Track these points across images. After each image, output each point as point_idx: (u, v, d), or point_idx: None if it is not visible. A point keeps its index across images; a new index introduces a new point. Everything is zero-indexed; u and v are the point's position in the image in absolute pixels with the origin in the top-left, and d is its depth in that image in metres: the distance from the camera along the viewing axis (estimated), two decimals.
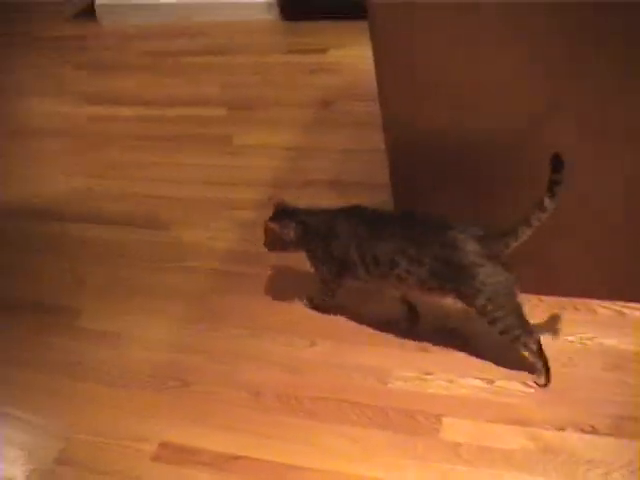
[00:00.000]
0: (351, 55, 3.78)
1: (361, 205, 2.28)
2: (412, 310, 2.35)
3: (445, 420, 2.08)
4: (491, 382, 2.15)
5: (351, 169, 3.03)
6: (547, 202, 1.87)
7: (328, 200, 2.87)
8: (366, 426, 2.11)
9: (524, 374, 2.14)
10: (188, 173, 3.23)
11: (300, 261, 2.58)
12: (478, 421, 2.07)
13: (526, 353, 2.12)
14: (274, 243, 2.37)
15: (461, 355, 2.23)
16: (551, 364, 2.09)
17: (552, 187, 1.86)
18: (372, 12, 2.02)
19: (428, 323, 2.34)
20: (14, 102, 4.29)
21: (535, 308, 2.28)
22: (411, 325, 2.35)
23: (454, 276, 2.03)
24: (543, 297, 2.33)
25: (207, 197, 3.07)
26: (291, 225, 2.31)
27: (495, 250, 1.99)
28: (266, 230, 2.36)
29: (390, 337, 2.33)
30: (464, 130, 2.10)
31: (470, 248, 2.00)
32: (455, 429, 2.06)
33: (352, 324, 2.40)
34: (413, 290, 2.17)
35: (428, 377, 2.20)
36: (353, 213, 2.26)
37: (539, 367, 2.10)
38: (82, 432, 2.28)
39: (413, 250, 2.06)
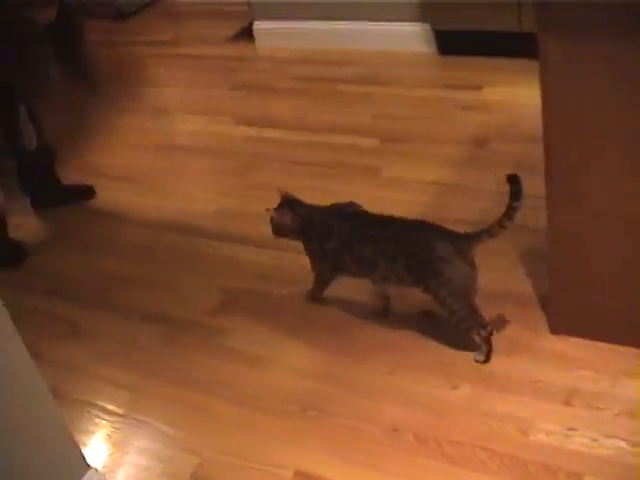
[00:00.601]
0: (507, 93, 3.74)
1: (354, 203, 2.61)
2: (386, 306, 2.65)
3: None
4: (638, 445, 2.08)
5: (501, 211, 2.97)
6: (506, 222, 2.28)
7: None
8: (504, 476, 2.08)
9: None
10: (337, 200, 3.23)
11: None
12: None
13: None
14: (278, 230, 2.64)
15: (608, 414, 2.17)
16: None
17: (510, 213, 2.28)
18: (545, 54, 1.96)
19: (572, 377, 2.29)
20: (169, 118, 4.41)
21: None
22: (382, 318, 2.64)
23: (425, 272, 2.33)
24: None
25: None
26: (288, 215, 2.58)
27: (461, 249, 2.32)
28: (271, 218, 2.62)
29: (535, 386, 2.29)
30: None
31: (440, 246, 2.32)
32: None
33: (496, 370, 2.37)
34: (393, 285, 2.49)
35: (571, 433, 2.15)
36: (347, 214, 2.59)
37: (483, 349, 2.39)
38: (219, 451, 2.32)
39: (392, 249, 2.39)
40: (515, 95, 3.71)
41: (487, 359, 2.41)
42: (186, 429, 2.43)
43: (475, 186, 3.15)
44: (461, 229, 2.86)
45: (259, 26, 4.84)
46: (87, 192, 3.64)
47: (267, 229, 3.10)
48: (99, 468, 2.27)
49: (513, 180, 2.28)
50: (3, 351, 1.89)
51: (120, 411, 2.55)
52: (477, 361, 2.41)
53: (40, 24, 2.87)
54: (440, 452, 2.17)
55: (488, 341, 2.41)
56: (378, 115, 3.83)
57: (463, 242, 2.35)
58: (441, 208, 3.09)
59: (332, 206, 2.63)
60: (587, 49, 1.91)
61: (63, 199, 3.64)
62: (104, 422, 2.53)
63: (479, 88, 3.84)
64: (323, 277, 2.68)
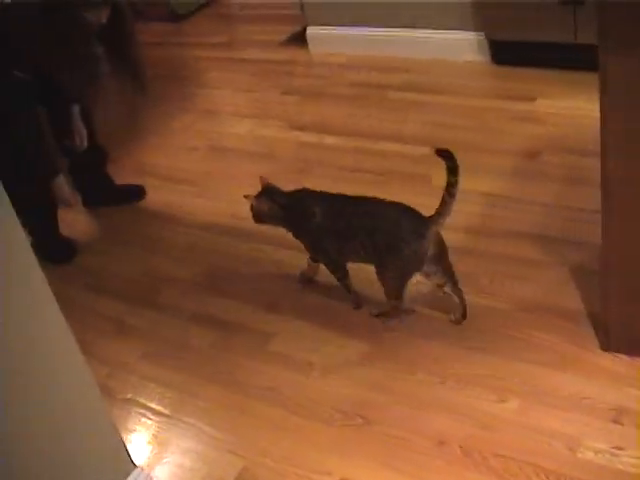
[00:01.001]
0: (561, 106, 3.71)
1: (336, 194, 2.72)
2: (357, 297, 2.80)
3: None
4: None
5: (552, 225, 2.97)
6: (452, 190, 2.42)
7: (526, 252, 2.84)
8: None
9: None
10: None
11: (492, 317, 2.57)
12: None
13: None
14: (256, 217, 2.78)
15: None
16: None
17: (450, 189, 2.43)
18: (605, 67, 1.93)
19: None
20: (220, 120, 4.44)
21: None
22: (357, 308, 2.79)
23: (387, 248, 2.50)
24: None
25: None
26: (266, 203, 2.72)
27: (422, 229, 2.46)
28: (251, 206, 2.75)
29: (584, 403, 2.27)
30: None
31: (405, 227, 2.48)
32: None
33: (545, 385, 2.35)
34: (355, 260, 2.66)
35: (619, 452, 2.12)
36: (324, 198, 2.70)
37: (384, 309, 2.67)
38: (265, 455, 2.33)
39: (368, 224, 2.54)
40: (568, 107, 3.68)
41: (380, 315, 2.69)
42: (232, 432, 2.44)
43: (526, 198, 3.13)
44: (511, 242, 2.88)
45: (312, 31, 4.85)
46: (138, 192, 3.67)
47: None
48: (144, 467, 2.29)
49: (445, 155, 2.42)
50: (56, 347, 1.91)
51: (166, 411, 2.57)
52: (371, 314, 2.71)
53: (93, 25, 2.89)
54: (486, 465, 2.16)
55: (395, 309, 2.66)
56: (430, 123, 3.82)
57: (424, 223, 2.48)
58: (491, 219, 3.07)
59: (305, 190, 2.78)
60: None
61: (114, 198, 3.68)
62: (150, 422, 2.55)
63: (532, 99, 3.82)
64: (331, 260, 2.77)
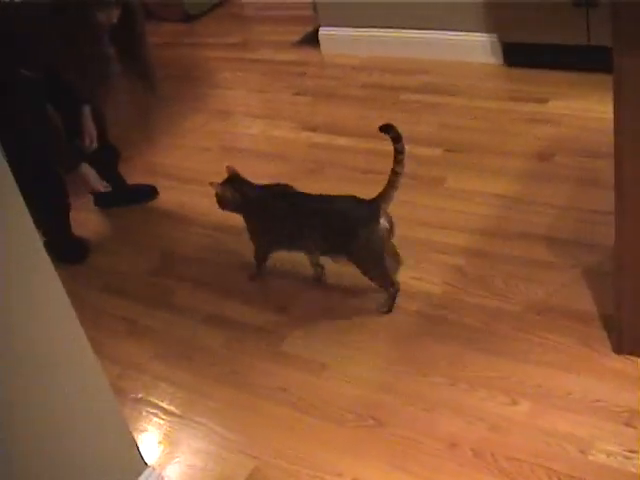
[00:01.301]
0: (573, 107, 3.70)
1: (288, 186, 2.89)
2: (319, 274, 2.96)
3: None
4: None
5: (565, 226, 2.97)
6: (398, 167, 2.60)
7: (539, 254, 2.83)
8: None
9: None
10: (401, 210, 3.21)
11: (505, 319, 2.56)
12: None
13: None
14: (220, 204, 2.92)
15: None
16: None
17: (398, 156, 2.61)
18: (619, 68, 1.93)
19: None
20: (232, 121, 4.44)
21: None
22: (318, 284, 2.95)
23: (345, 238, 2.64)
24: None
25: (417, 236, 3.07)
26: (230, 190, 2.87)
27: (374, 212, 2.61)
28: (216, 193, 2.89)
29: (596, 406, 2.26)
30: None
31: (355, 213, 2.64)
32: None
33: (557, 387, 2.35)
34: (323, 254, 2.83)
35: (632, 455, 2.11)
36: (281, 193, 2.87)
37: (388, 302, 2.74)
38: (276, 456, 2.33)
39: (317, 221, 2.71)
40: (581, 109, 3.67)
41: (389, 310, 2.74)
42: (243, 432, 2.44)
43: (539, 200, 3.12)
44: (524, 244, 2.88)
45: (324, 32, 4.85)
46: (150, 192, 3.68)
47: None
48: (155, 467, 2.29)
49: (387, 129, 2.63)
50: (68, 347, 1.92)
51: (177, 411, 2.57)
52: (380, 311, 2.74)
53: (103, 25, 2.90)
54: (497, 468, 2.15)
55: (393, 297, 2.75)
56: (443, 125, 3.81)
57: (374, 205, 2.62)
58: (504, 221, 3.07)
59: (269, 186, 2.92)
60: None
61: (126, 198, 3.68)
62: (161, 421, 2.55)
63: (545, 101, 3.81)
64: (261, 251, 2.98)
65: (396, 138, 2.62)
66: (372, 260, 2.71)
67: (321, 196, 2.77)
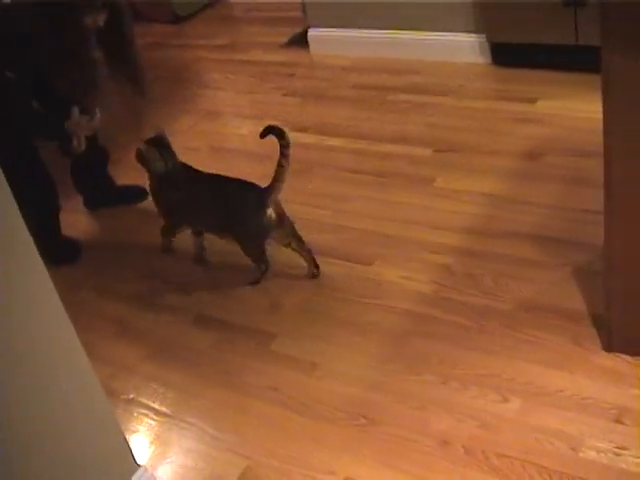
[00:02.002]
0: (562, 107, 3.72)
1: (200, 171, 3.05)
2: (202, 256, 3.19)
3: None
4: None
5: (554, 226, 2.98)
6: (283, 161, 2.80)
7: (528, 253, 2.85)
8: None
9: None
10: (389, 210, 3.25)
11: (496, 317, 2.58)
12: None
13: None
14: (139, 160, 3.07)
15: None
16: None
17: (283, 151, 2.80)
18: (608, 67, 1.94)
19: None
20: (222, 121, 4.44)
21: None
22: (200, 261, 3.19)
23: (232, 221, 2.87)
24: None
25: (406, 236, 3.08)
26: (153, 152, 3.02)
27: (263, 201, 2.82)
28: (138, 149, 3.05)
29: (586, 403, 2.28)
30: None
31: (246, 199, 2.85)
32: None
33: (547, 385, 2.36)
34: (214, 233, 3.05)
35: (622, 452, 2.12)
36: (190, 171, 3.06)
37: (256, 277, 2.99)
38: (268, 456, 2.33)
39: (216, 201, 2.92)
40: (570, 109, 3.69)
41: (256, 282, 2.99)
42: (234, 432, 2.44)
43: (528, 199, 3.13)
44: (514, 243, 2.89)
45: (314, 33, 4.86)
46: (139, 193, 3.67)
47: (317, 236, 3.13)
48: (147, 467, 2.29)
49: (267, 131, 2.83)
50: (60, 348, 1.92)
51: (169, 411, 2.57)
52: (250, 283, 2.99)
53: (91, 28, 2.89)
54: (489, 465, 2.16)
55: (262, 273, 2.99)
56: (432, 125, 3.82)
57: (264, 194, 2.83)
58: (493, 220, 3.08)
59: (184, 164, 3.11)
60: None
61: (115, 199, 3.68)
62: (152, 422, 2.55)
63: (534, 101, 3.82)
64: (168, 225, 3.20)
65: (280, 135, 2.81)
66: (252, 241, 2.95)
67: (221, 178, 2.99)
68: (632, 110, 1.98)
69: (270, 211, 2.84)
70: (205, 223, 3.08)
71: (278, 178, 2.82)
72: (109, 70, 3.09)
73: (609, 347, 2.40)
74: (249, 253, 2.98)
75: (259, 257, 2.98)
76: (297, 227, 2.98)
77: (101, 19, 2.89)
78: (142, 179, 3.67)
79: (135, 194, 3.66)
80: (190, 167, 3.09)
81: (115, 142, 3.88)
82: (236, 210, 2.88)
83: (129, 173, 3.80)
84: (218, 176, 3.01)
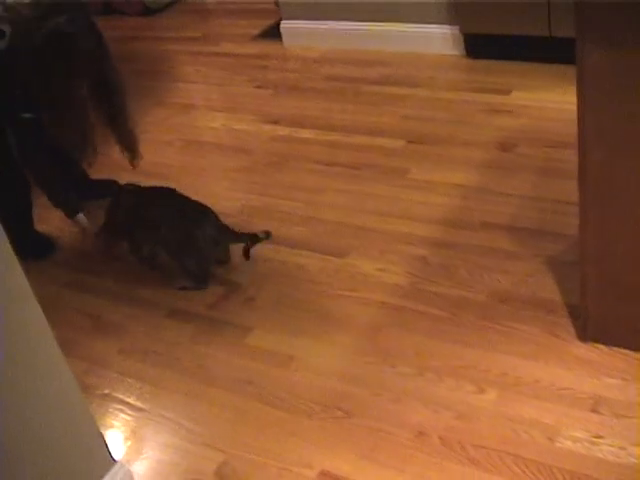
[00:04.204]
0: (535, 98, 3.73)
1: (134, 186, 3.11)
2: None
3: None
4: None
5: (528, 216, 2.99)
6: (248, 245, 2.92)
7: (503, 244, 2.85)
8: None
9: None
10: (363, 201, 3.25)
11: (471, 309, 2.58)
12: None
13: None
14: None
15: (636, 422, 2.16)
16: None
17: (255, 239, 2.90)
18: (582, 59, 1.94)
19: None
20: (195, 114, 4.42)
21: None
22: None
23: (188, 246, 2.90)
24: None
25: (380, 228, 3.08)
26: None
27: (221, 239, 2.92)
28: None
29: (562, 393, 2.28)
30: None
31: (208, 230, 2.88)
32: None
33: (523, 376, 2.36)
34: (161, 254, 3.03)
35: (598, 440, 2.14)
36: (140, 193, 3.09)
37: (189, 286, 2.97)
38: (244, 449, 2.32)
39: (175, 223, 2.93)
40: (543, 100, 3.70)
41: (184, 288, 2.98)
42: (210, 426, 2.43)
43: (502, 190, 3.15)
44: (488, 234, 2.90)
45: (286, 25, 4.84)
46: (112, 187, 3.64)
47: (292, 228, 3.13)
48: (124, 462, 2.27)
49: (253, 238, 2.93)
50: (35, 343, 1.90)
51: (144, 406, 2.55)
52: (177, 287, 2.98)
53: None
54: (465, 456, 2.16)
55: (196, 289, 2.96)
56: (406, 117, 3.82)
57: (226, 235, 2.92)
58: (468, 211, 3.08)
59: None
60: (626, 55, 1.89)
61: (88, 193, 3.64)
62: (128, 417, 2.53)
63: (507, 92, 3.83)
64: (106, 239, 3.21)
65: (253, 238, 2.94)
66: (200, 267, 2.96)
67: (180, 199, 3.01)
68: (606, 101, 1.98)
69: (211, 229, 2.90)
70: (151, 242, 3.05)
71: (240, 239, 2.96)
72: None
73: (584, 337, 2.41)
74: (189, 276, 2.99)
75: (199, 280, 2.98)
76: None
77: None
78: (115, 173, 3.66)
79: (108, 188, 3.63)
80: (136, 189, 3.13)
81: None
82: (181, 228, 2.91)
83: (102, 167, 3.78)
84: (175, 197, 3.02)
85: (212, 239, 2.90)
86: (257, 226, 3.14)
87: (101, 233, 3.18)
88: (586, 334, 2.40)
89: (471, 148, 3.47)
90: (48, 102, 2.88)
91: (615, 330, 2.35)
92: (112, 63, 3.00)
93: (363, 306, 2.74)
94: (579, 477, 2.05)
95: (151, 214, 2.99)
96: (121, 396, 2.61)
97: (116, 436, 2.47)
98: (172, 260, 3.00)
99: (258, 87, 4.45)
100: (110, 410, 2.56)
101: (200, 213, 2.93)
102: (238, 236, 2.96)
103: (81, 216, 3.27)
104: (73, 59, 2.83)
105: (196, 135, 4.14)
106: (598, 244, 2.22)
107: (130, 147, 3.20)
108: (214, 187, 3.54)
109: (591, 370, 2.33)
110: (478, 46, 4.20)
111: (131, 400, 2.59)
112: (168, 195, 3.03)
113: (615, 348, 2.37)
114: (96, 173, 3.66)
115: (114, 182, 3.64)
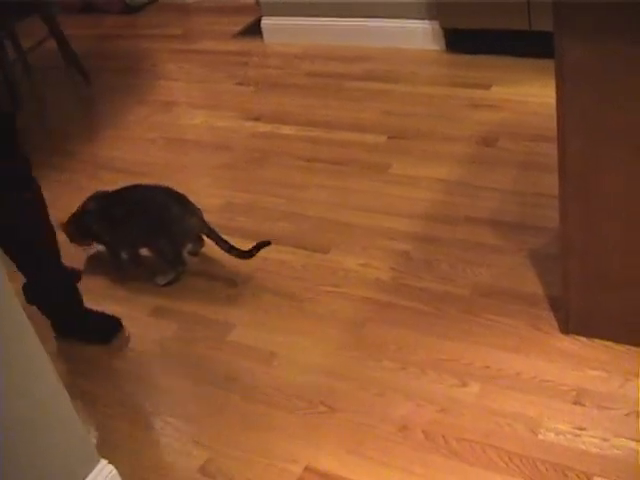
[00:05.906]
0: (516, 92, 3.74)
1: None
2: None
3: None
4: None
5: (510, 210, 3.00)
6: (224, 250, 2.88)
7: (485, 238, 2.86)
8: (513, 475, 2.08)
9: None
10: (345, 197, 3.25)
11: (453, 302, 2.58)
12: None
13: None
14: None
15: (618, 414, 2.17)
16: None
17: (233, 251, 2.87)
18: (561, 53, 1.95)
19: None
20: (176, 112, 4.40)
21: None
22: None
23: (160, 231, 2.91)
24: None
25: (363, 223, 3.08)
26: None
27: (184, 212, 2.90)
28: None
29: (544, 385, 2.29)
30: None
31: (174, 209, 2.89)
32: None
33: (506, 368, 2.37)
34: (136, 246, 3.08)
35: (581, 432, 2.15)
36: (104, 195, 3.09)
37: (169, 278, 3.00)
38: (230, 446, 2.31)
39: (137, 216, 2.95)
40: (524, 94, 3.71)
41: (169, 284, 2.99)
42: (195, 423, 2.42)
43: (483, 184, 3.15)
44: (470, 228, 2.90)
45: (267, 22, 4.84)
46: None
47: (275, 225, 3.13)
48: (108, 461, 2.27)
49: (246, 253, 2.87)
50: (17, 343, 1.89)
51: (129, 404, 2.54)
52: (158, 283, 2.99)
53: None
54: (449, 449, 2.17)
55: (176, 279, 2.99)
56: (387, 112, 3.83)
57: (187, 205, 2.92)
58: (449, 206, 3.09)
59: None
60: (604, 48, 1.90)
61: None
62: (112, 415, 2.52)
63: (488, 87, 3.84)
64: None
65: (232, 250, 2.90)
66: (174, 252, 2.99)
67: (140, 189, 3.03)
68: (586, 94, 1.99)
69: (194, 219, 2.92)
70: (127, 238, 3.07)
71: (214, 239, 2.91)
72: None
73: (566, 329, 2.42)
74: (166, 262, 3.01)
75: (178, 260, 3.01)
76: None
77: None
78: (97, 171, 3.65)
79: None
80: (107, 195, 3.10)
81: (69, 134, 3.85)
82: (159, 219, 2.93)
83: (84, 166, 3.78)
84: (136, 188, 3.04)
85: (180, 218, 2.91)
86: (239, 222, 3.15)
87: (66, 228, 3.14)
88: (568, 326, 2.41)
89: (452, 143, 3.48)
90: None
91: (597, 322, 2.36)
92: None
93: (346, 301, 2.74)
94: (562, 469, 2.06)
95: (119, 213, 3.00)
96: (105, 394, 2.60)
97: (100, 434, 2.46)
98: (149, 249, 3.03)
99: (239, 84, 4.45)
100: (94, 408, 2.55)
101: (167, 196, 2.94)
102: (210, 229, 2.94)
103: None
104: None
105: (178, 133, 4.13)
106: (579, 236, 2.22)
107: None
108: (196, 184, 3.53)
109: (573, 362, 2.34)
110: (458, 41, 4.21)
111: (115, 398, 2.58)
112: (132, 189, 3.04)
113: (597, 340, 2.38)
114: (78, 172, 3.65)
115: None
